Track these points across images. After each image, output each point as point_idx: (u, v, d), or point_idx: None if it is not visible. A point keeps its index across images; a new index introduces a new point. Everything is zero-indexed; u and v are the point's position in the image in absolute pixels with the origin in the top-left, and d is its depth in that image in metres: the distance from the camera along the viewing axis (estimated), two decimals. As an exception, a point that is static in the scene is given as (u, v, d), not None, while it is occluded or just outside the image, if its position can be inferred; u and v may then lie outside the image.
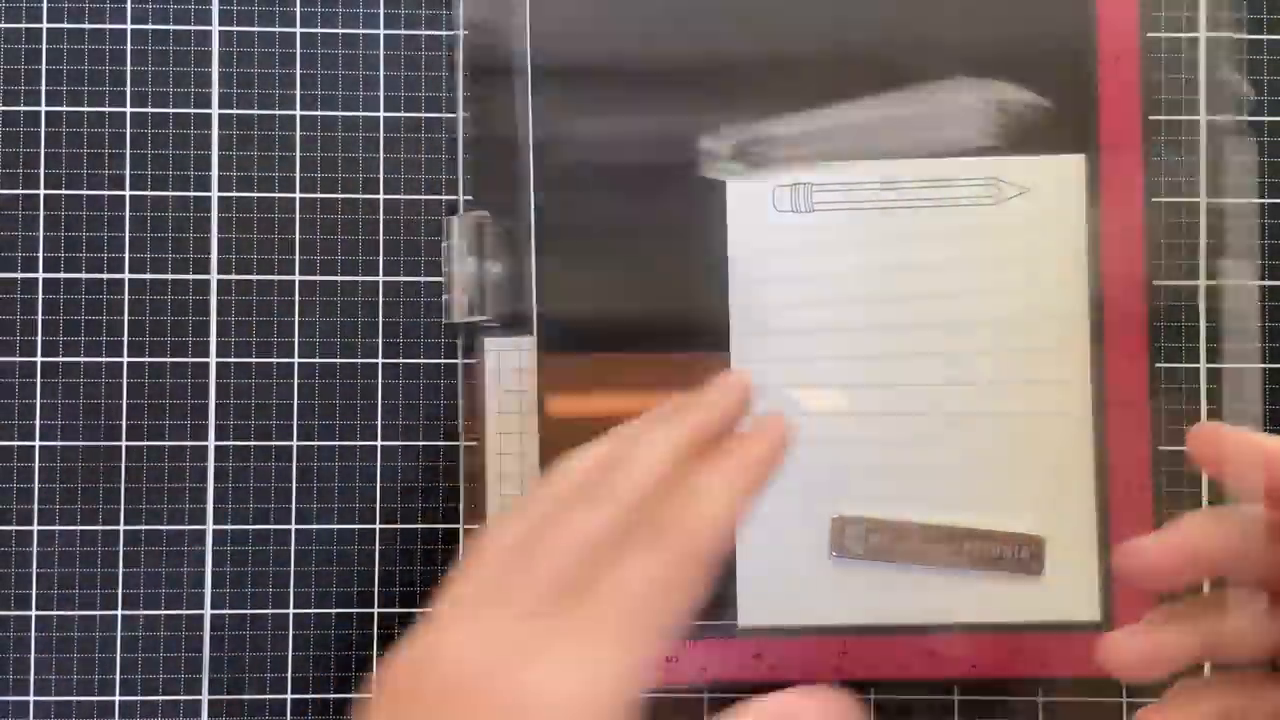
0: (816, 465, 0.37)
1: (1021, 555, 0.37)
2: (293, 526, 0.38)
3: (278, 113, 0.38)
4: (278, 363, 0.38)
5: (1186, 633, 0.26)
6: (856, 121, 0.37)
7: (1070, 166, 0.37)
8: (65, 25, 0.38)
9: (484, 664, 0.25)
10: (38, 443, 0.38)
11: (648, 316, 0.37)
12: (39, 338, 0.38)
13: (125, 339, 0.38)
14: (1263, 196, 0.38)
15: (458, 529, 0.38)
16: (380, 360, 0.38)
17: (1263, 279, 0.38)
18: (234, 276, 0.38)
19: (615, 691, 0.25)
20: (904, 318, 0.37)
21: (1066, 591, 0.37)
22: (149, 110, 0.38)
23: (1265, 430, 0.38)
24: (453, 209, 0.38)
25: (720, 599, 0.37)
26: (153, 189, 0.38)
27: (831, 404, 0.37)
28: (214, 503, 0.38)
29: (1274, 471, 0.26)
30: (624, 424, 0.30)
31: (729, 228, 0.37)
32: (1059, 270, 0.37)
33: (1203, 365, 0.38)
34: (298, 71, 0.38)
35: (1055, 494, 0.37)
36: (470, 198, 0.38)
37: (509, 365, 0.37)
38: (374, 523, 0.38)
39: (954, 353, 0.37)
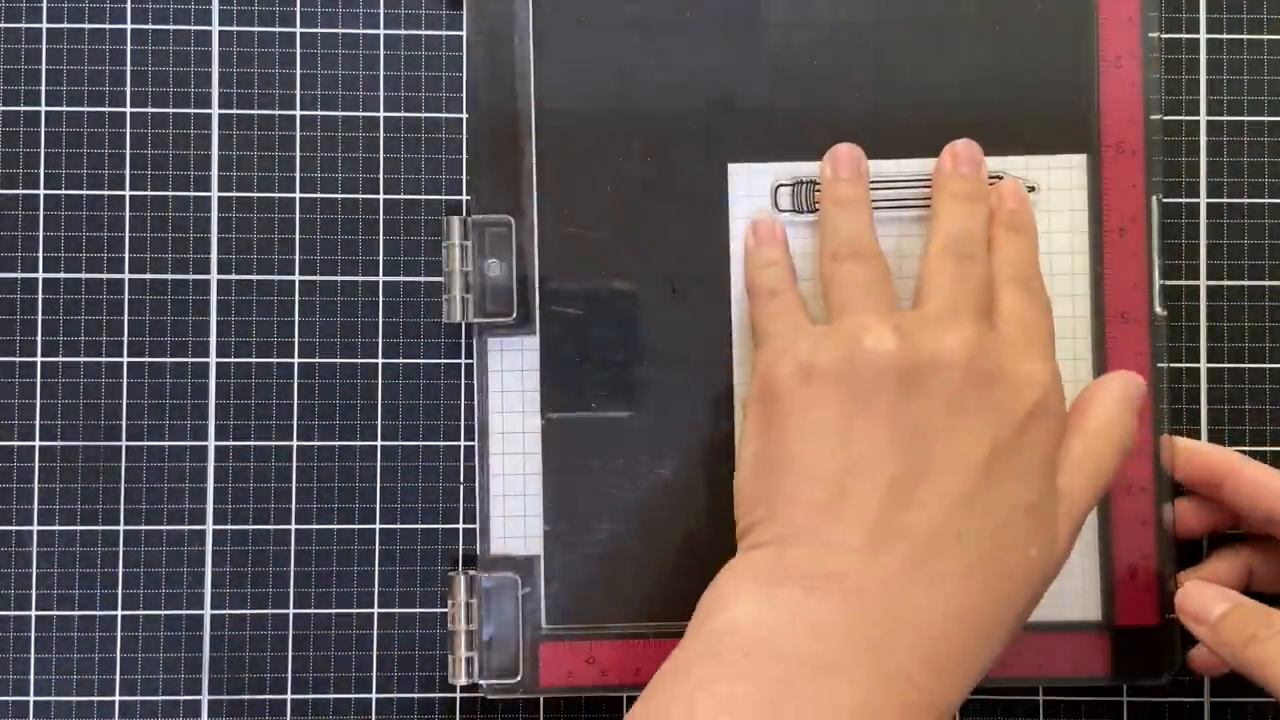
0: None
1: None
2: (293, 526, 0.38)
3: (278, 113, 0.38)
4: (278, 363, 0.38)
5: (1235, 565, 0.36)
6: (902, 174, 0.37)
7: (1072, 166, 0.37)
8: (65, 25, 0.38)
9: (967, 351, 0.31)
10: (38, 443, 0.38)
11: (649, 316, 0.37)
12: (39, 338, 0.38)
13: (125, 339, 0.38)
14: (1263, 196, 0.38)
15: (457, 529, 0.38)
16: (380, 360, 0.38)
17: (1264, 279, 0.38)
18: (234, 276, 0.38)
19: (1059, 382, 0.32)
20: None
21: (1067, 592, 0.37)
22: (149, 110, 0.38)
23: (1268, 431, 0.38)
24: (453, 209, 0.38)
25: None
26: (153, 189, 0.38)
27: None
28: (214, 503, 0.38)
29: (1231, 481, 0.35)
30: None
31: (730, 227, 0.37)
32: (1060, 269, 0.37)
33: (1203, 365, 0.38)
34: (298, 71, 0.38)
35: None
36: (470, 198, 0.38)
37: (510, 365, 0.37)
38: (374, 523, 0.38)
39: None
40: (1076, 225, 0.37)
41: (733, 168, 0.37)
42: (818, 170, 0.37)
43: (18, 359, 0.38)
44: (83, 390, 0.38)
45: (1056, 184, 0.37)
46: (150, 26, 0.38)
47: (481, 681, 0.37)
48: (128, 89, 0.38)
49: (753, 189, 0.37)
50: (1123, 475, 0.37)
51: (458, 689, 0.38)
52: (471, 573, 0.37)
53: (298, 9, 0.38)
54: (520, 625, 0.37)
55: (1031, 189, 0.37)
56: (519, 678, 0.37)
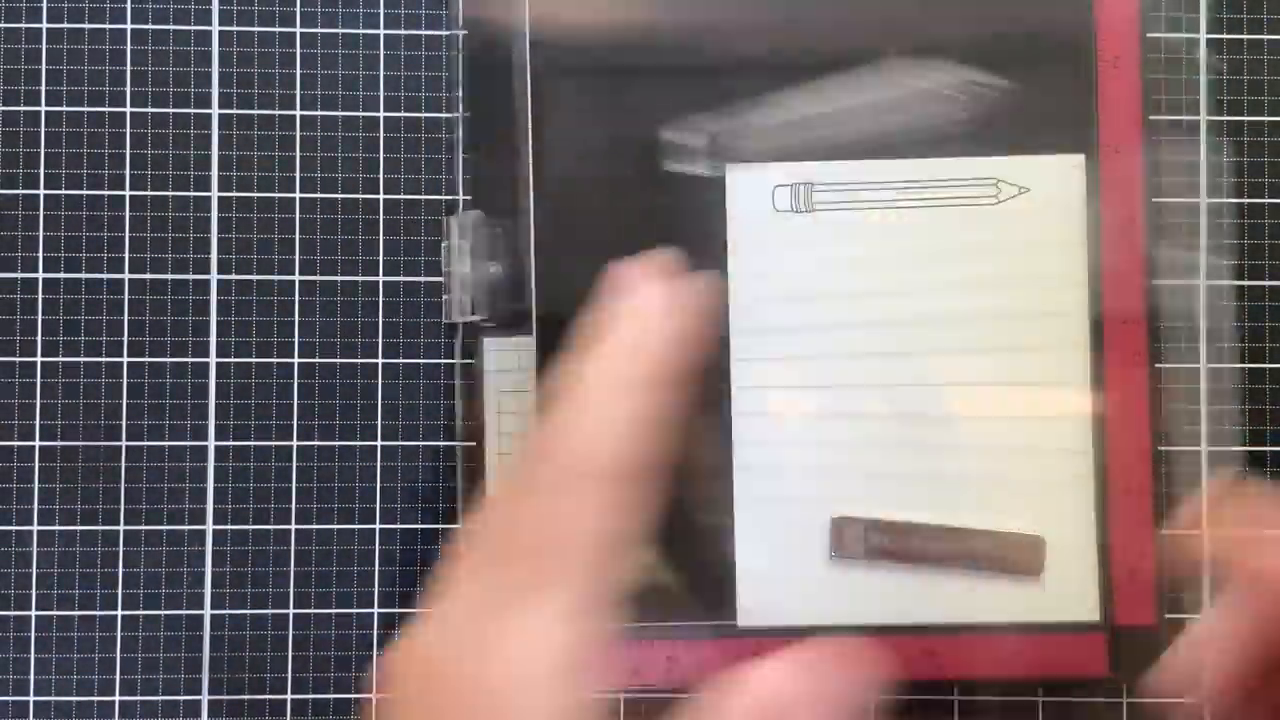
0: (816, 466, 0.37)
1: (1021, 555, 0.37)
2: (293, 526, 0.38)
3: (278, 113, 0.38)
4: (278, 363, 0.38)
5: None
6: (826, 110, 0.37)
7: (1070, 166, 0.37)
8: (65, 25, 0.38)
9: (446, 655, 0.23)
10: (37, 443, 0.38)
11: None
12: (39, 338, 0.38)
13: (125, 339, 0.38)
14: (1262, 197, 0.38)
15: (458, 529, 0.38)
16: (380, 360, 0.38)
17: (1264, 279, 0.38)
18: (234, 276, 0.38)
19: (566, 647, 0.23)
20: (904, 317, 0.37)
21: (1066, 592, 0.37)
22: (149, 110, 0.38)
23: (1268, 431, 0.38)
24: (453, 209, 0.38)
25: (720, 599, 0.37)
26: (153, 189, 0.38)
27: (830, 405, 0.37)
28: (214, 503, 0.38)
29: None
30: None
31: (728, 226, 0.37)
32: (1059, 270, 0.37)
33: (1203, 365, 0.38)
34: (298, 71, 0.38)
35: (1055, 494, 0.37)
36: (470, 198, 0.38)
37: (509, 365, 0.37)
38: (374, 523, 0.38)
39: (953, 352, 0.37)
40: (1075, 225, 0.37)
41: (731, 169, 0.37)
42: (818, 171, 0.37)
43: (17, 359, 0.38)
44: (83, 390, 0.38)
45: (1056, 184, 0.37)
46: (150, 26, 0.38)
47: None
48: (127, 89, 0.38)
49: (752, 189, 0.37)
50: (1122, 475, 0.37)
51: (457, 689, 0.38)
52: (471, 573, 0.37)
53: (298, 9, 0.38)
54: (520, 625, 0.37)
55: (1021, 191, 0.37)
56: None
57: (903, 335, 0.37)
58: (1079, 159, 0.37)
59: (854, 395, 0.37)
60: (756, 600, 0.37)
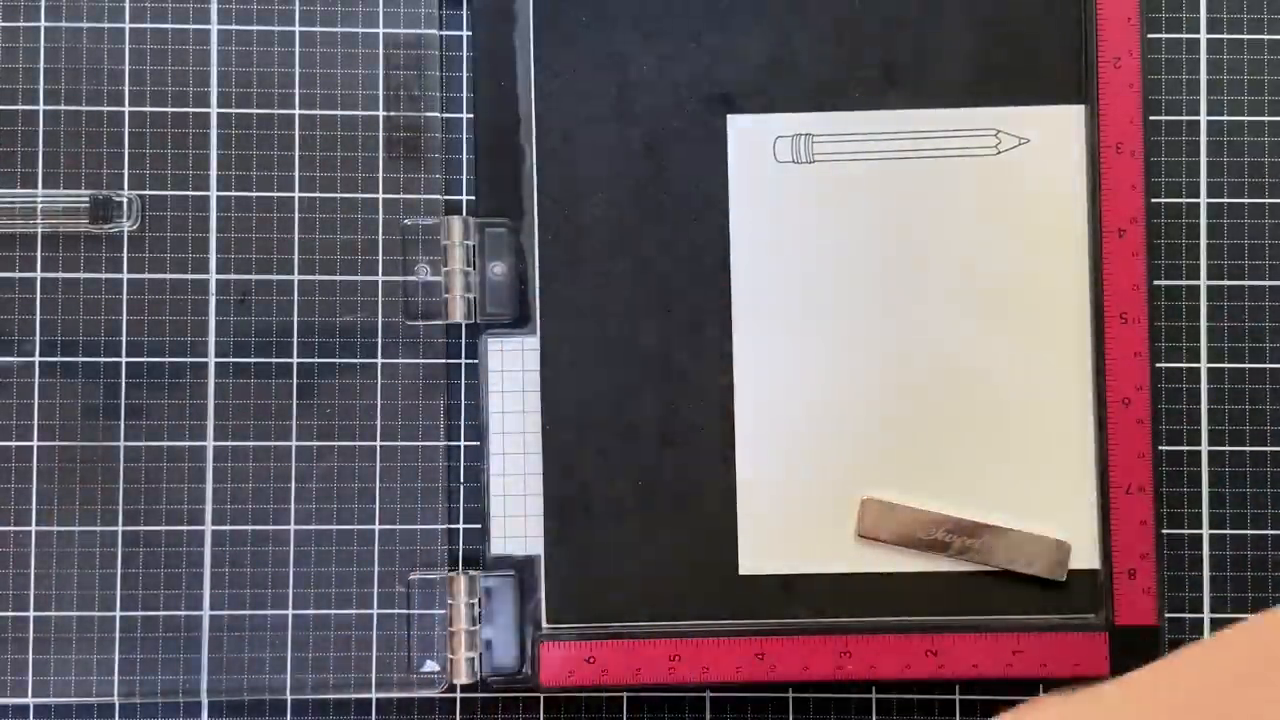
0: (815, 414, 0.37)
1: (1044, 557, 0.37)
2: (292, 526, 0.38)
3: (277, 112, 0.38)
4: (276, 362, 0.38)
5: None
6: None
7: (1070, 116, 0.37)
8: (64, 24, 0.38)
9: None
10: (36, 443, 0.38)
11: (649, 316, 0.37)
12: (38, 338, 0.38)
13: (124, 339, 0.38)
14: (1263, 196, 0.38)
15: (458, 529, 0.38)
16: (380, 360, 0.38)
17: (1264, 279, 0.38)
18: (233, 276, 0.38)
19: None
20: (904, 268, 0.37)
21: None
22: (148, 109, 0.38)
23: (1268, 431, 0.38)
24: (453, 209, 0.38)
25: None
26: (152, 188, 0.38)
27: (830, 357, 0.37)
28: (213, 503, 0.38)
29: None
30: None
31: (729, 179, 0.37)
32: (1058, 220, 0.37)
33: (1203, 365, 0.38)
34: (297, 71, 0.38)
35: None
36: (471, 198, 0.38)
37: (510, 365, 0.37)
38: (374, 523, 0.38)
39: (952, 307, 0.37)
40: (1075, 176, 0.37)
41: (732, 119, 0.37)
42: (818, 122, 0.37)
43: (16, 359, 0.38)
44: (82, 390, 0.38)
45: (1056, 134, 0.37)
46: (149, 25, 0.38)
47: (484, 675, 0.37)
48: (127, 88, 0.38)
49: (752, 141, 0.37)
50: (1122, 475, 0.37)
51: (458, 689, 0.38)
52: (471, 573, 0.37)
53: (297, 9, 0.38)
54: (520, 625, 0.37)
55: (1021, 142, 0.37)
56: (519, 677, 0.37)
57: (902, 287, 0.37)
58: (1079, 109, 0.37)
59: (853, 349, 0.37)
60: (758, 549, 0.37)
